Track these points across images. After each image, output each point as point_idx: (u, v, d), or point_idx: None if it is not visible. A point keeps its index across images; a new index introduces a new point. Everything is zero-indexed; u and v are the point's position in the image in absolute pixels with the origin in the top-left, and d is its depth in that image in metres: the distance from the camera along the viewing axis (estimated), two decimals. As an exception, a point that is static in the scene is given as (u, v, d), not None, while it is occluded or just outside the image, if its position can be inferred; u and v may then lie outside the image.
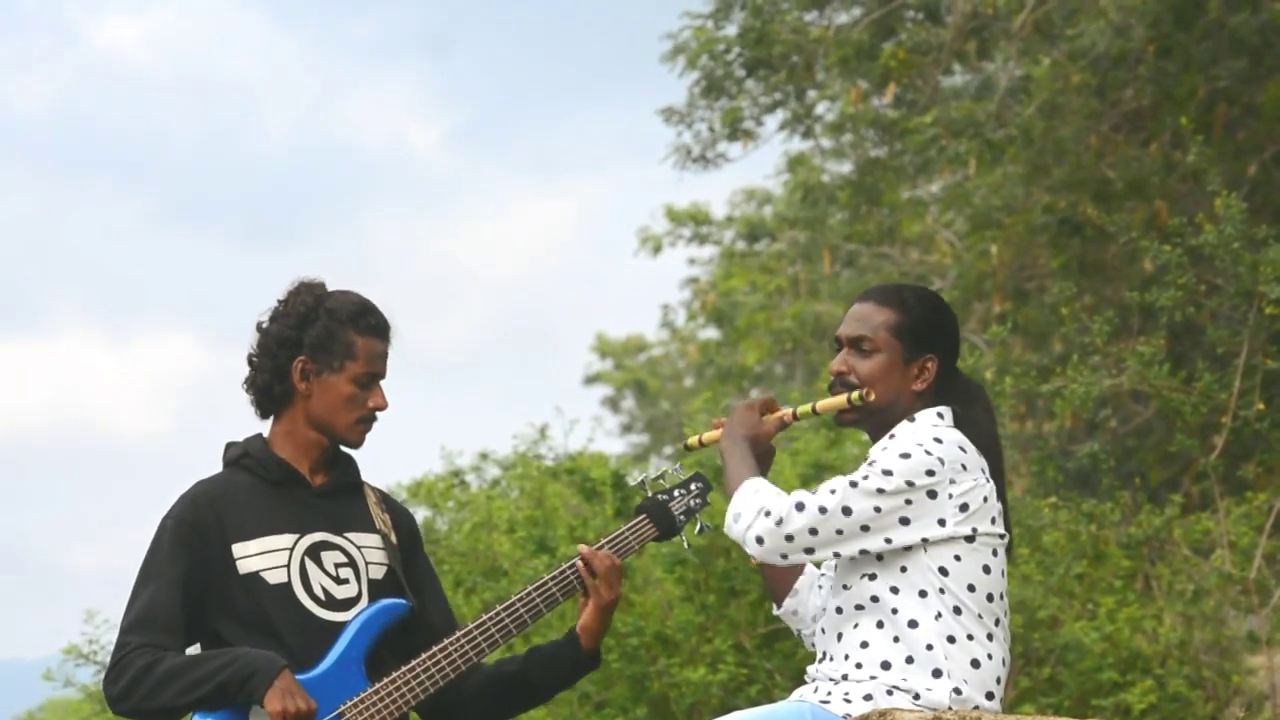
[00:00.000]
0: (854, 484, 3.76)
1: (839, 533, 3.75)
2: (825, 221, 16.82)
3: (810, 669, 3.97)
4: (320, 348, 4.09)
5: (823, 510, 3.74)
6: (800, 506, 3.76)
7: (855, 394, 3.91)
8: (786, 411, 4.05)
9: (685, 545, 4.42)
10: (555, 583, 4.16)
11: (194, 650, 4.07)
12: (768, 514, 3.77)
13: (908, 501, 3.75)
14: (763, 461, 4.01)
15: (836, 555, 3.80)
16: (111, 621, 9.35)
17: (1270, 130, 12.84)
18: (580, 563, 4.16)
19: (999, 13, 13.13)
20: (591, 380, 29.74)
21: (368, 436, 4.19)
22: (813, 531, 3.74)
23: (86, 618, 9.74)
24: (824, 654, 3.94)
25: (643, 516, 4.27)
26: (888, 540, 3.76)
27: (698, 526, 4.34)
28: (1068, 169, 13.20)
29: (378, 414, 4.17)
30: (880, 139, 15.22)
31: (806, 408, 4.03)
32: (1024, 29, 12.99)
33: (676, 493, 4.31)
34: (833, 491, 3.76)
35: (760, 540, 3.77)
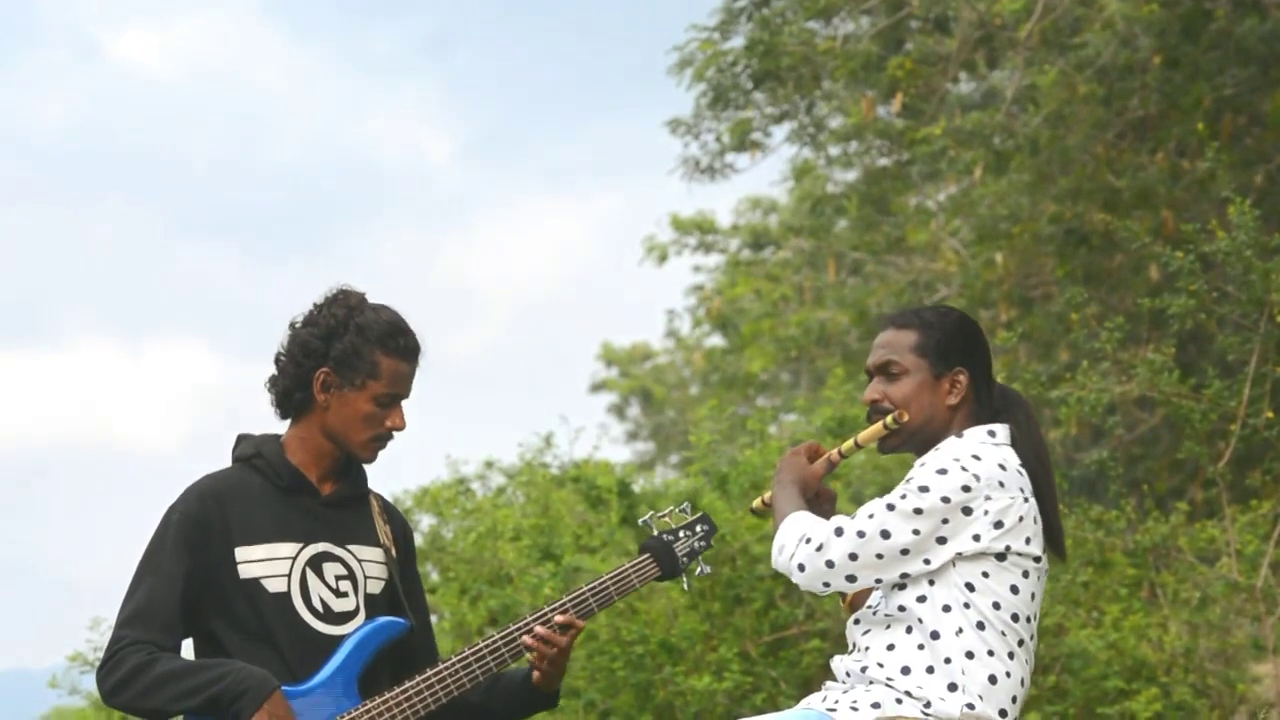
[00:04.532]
0: (891, 506, 3.77)
1: (879, 557, 3.76)
2: (830, 229, 16.82)
3: (835, 660, 3.97)
4: (344, 363, 4.06)
5: (861, 534, 3.76)
6: (839, 532, 3.77)
7: (889, 418, 3.93)
8: (832, 453, 4.08)
9: (685, 587, 4.45)
10: (571, 603, 4.18)
11: (188, 644, 4.06)
12: (808, 541, 3.80)
13: (944, 520, 3.76)
14: (823, 503, 4.05)
15: (878, 582, 3.81)
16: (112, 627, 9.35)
17: (1277, 139, 12.84)
18: (526, 639, 4.12)
19: (1006, 23, 13.13)
20: (597, 388, 29.74)
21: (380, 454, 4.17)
22: (853, 557, 3.76)
23: (92, 625, 9.75)
24: (854, 645, 3.95)
25: (647, 555, 4.29)
26: (926, 562, 3.78)
27: (699, 568, 4.37)
28: (1074, 178, 13.19)
29: (394, 434, 4.14)
30: (888, 149, 15.23)
31: (849, 444, 4.05)
32: (1031, 39, 12.98)
33: (682, 533, 4.34)
34: (871, 516, 3.78)
35: (802, 567, 3.79)
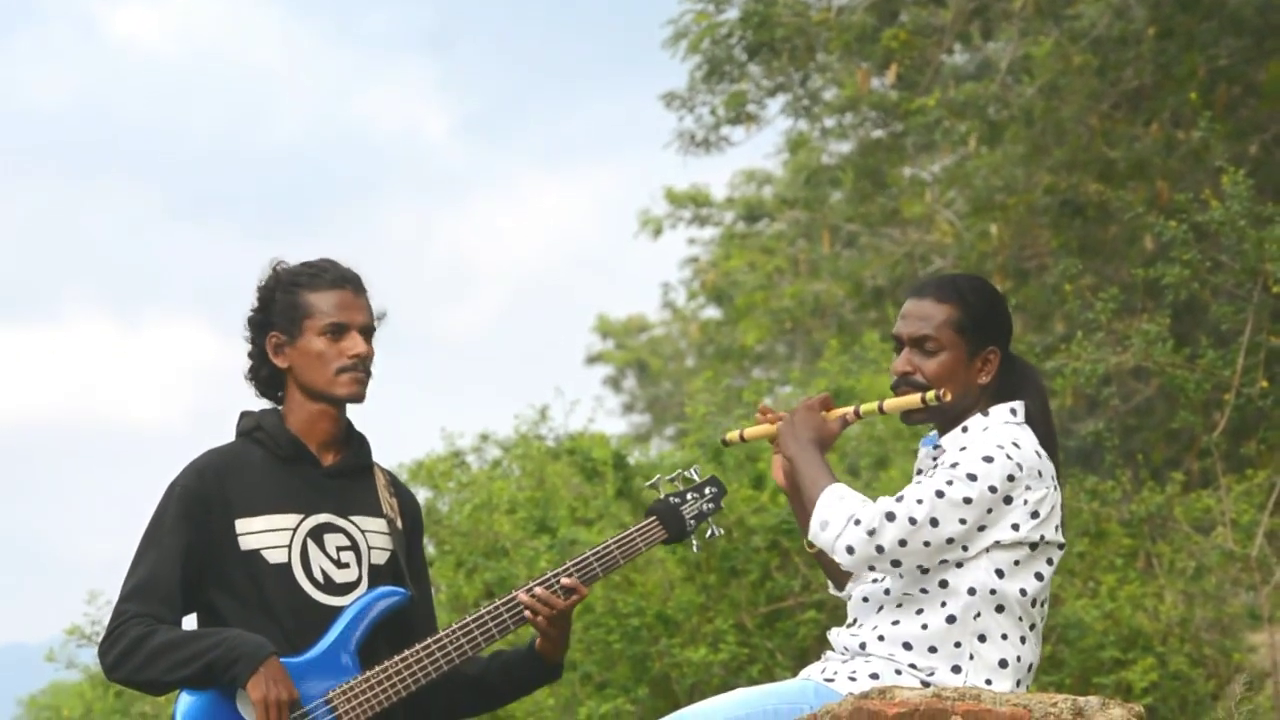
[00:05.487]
0: (940, 494, 3.73)
1: (926, 544, 3.73)
2: (825, 201, 16.82)
3: (833, 632, 3.96)
4: (282, 317, 4.13)
5: (913, 521, 3.71)
6: (890, 516, 3.72)
7: (930, 394, 3.87)
8: (848, 410, 4.01)
9: (695, 548, 4.39)
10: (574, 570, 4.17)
11: (191, 621, 4.07)
12: (858, 523, 3.74)
13: (988, 510, 3.74)
14: None
15: (919, 569, 3.78)
16: (114, 603, 9.34)
17: (1271, 110, 12.82)
18: (526, 609, 4.11)
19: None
20: (593, 360, 29.71)
21: (366, 393, 4.15)
22: (902, 543, 3.72)
23: (89, 599, 9.75)
24: (855, 620, 3.93)
25: (653, 519, 4.25)
26: (965, 549, 3.76)
27: (709, 531, 4.32)
28: (1068, 149, 13.18)
29: (364, 362, 4.14)
30: (882, 120, 15.22)
31: (871, 406, 3.99)
32: (1025, 9, 12.96)
33: (690, 496, 4.29)
34: (920, 501, 3.73)
35: (851, 550, 3.73)
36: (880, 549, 3.72)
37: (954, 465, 3.78)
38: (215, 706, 3.93)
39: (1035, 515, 3.78)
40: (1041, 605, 3.86)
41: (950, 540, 3.73)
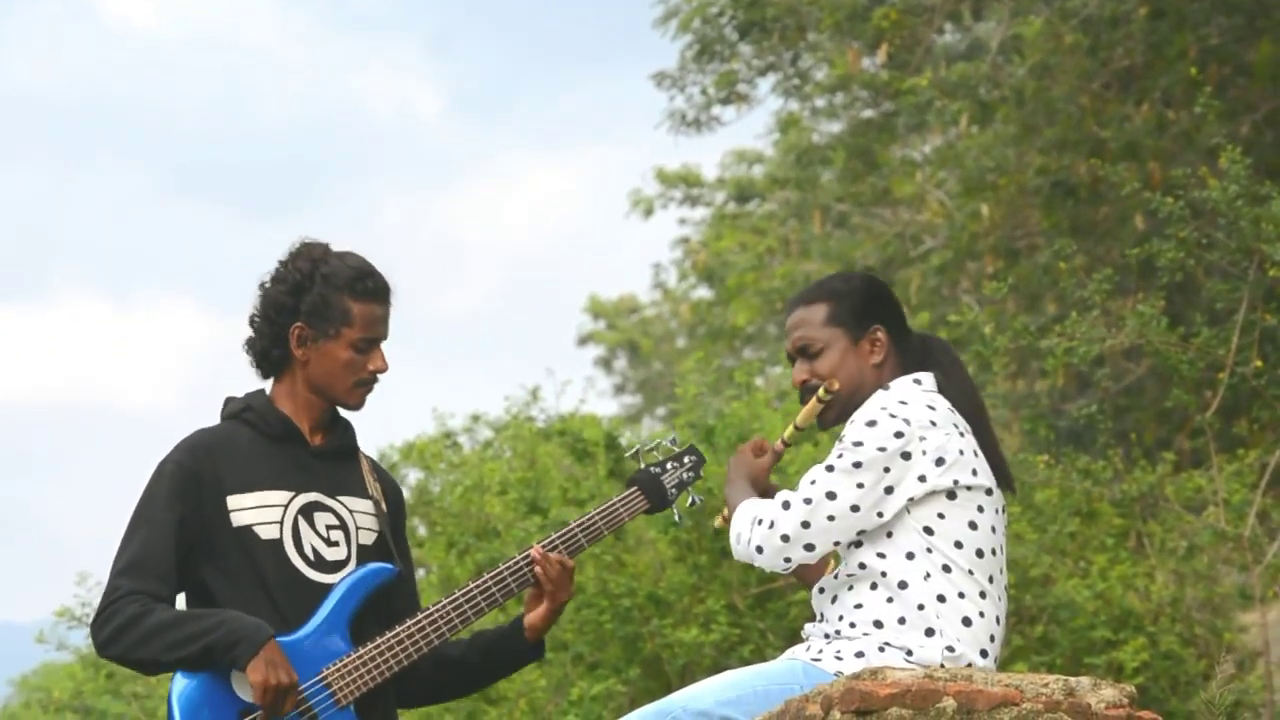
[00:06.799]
0: (830, 467, 3.81)
1: (830, 519, 3.78)
2: (816, 181, 16.82)
3: (806, 627, 3.99)
4: (316, 314, 4.07)
5: (808, 501, 3.79)
6: (786, 505, 3.81)
7: (820, 390, 3.97)
8: (775, 443, 4.14)
9: (676, 519, 4.42)
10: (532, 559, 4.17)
11: (181, 599, 4.06)
12: (759, 521, 3.84)
13: (886, 469, 3.79)
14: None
15: (837, 544, 3.83)
16: (104, 584, 9.34)
17: (1262, 89, 12.81)
18: (536, 567, 4.13)
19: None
20: (584, 341, 29.71)
21: (368, 399, 4.16)
22: (805, 525, 3.79)
23: (79, 580, 9.75)
24: (820, 615, 3.96)
25: (634, 489, 4.28)
26: (880, 515, 3.80)
27: (689, 499, 4.35)
28: (1059, 129, 13.17)
29: (378, 377, 4.14)
30: (873, 100, 15.21)
31: (789, 430, 4.11)
32: (1016, -12, 12.95)
33: (669, 465, 4.32)
34: (813, 482, 3.82)
35: (760, 549, 3.83)
36: (786, 537, 3.79)
37: (842, 438, 3.86)
38: (211, 687, 3.92)
39: (940, 462, 3.81)
40: (994, 554, 3.86)
41: (855, 508, 3.78)
